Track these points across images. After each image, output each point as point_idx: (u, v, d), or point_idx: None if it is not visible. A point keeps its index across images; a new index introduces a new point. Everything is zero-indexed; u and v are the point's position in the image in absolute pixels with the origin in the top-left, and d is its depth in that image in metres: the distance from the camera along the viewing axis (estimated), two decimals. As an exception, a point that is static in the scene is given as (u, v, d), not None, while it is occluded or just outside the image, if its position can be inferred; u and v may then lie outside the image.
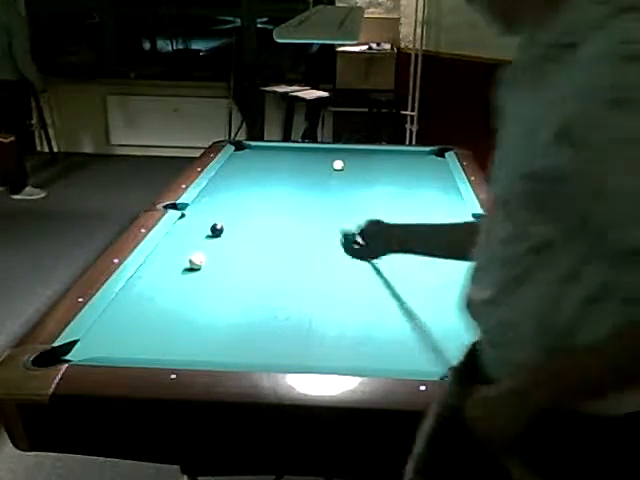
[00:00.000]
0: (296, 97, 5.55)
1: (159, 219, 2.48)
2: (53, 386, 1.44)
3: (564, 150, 0.86)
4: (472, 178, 3.06)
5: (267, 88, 5.77)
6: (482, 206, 2.69)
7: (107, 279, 1.96)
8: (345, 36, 2.70)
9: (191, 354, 1.63)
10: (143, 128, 6.22)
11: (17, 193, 5.38)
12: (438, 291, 2.06)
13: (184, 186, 2.88)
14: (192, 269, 2.11)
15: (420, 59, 5.46)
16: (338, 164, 3.24)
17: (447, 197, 2.90)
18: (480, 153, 3.54)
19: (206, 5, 6.58)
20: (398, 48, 5.79)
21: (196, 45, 6.79)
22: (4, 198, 5.34)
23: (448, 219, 2.65)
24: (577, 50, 0.88)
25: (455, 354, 1.68)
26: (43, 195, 5.39)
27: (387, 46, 5.73)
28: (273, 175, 3.22)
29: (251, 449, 1.51)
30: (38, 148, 6.49)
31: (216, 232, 2.40)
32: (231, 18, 6.58)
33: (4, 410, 1.46)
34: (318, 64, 5.90)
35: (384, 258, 1.60)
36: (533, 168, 0.92)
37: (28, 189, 5.42)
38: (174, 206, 2.65)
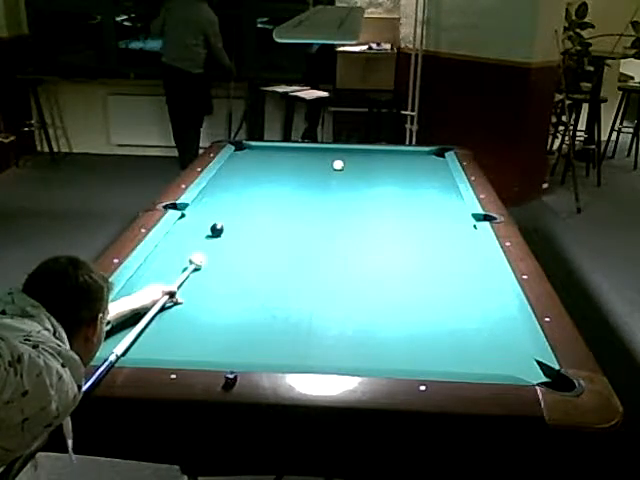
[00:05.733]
0: (296, 97, 5.54)
1: (159, 219, 2.48)
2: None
3: None
4: (472, 178, 3.06)
5: (267, 88, 5.77)
6: (482, 206, 2.69)
7: (107, 279, 1.96)
8: (345, 36, 2.70)
9: (191, 354, 1.63)
10: (143, 128, 6.21)
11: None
12: (438, 292, 2.06)
13: (184, 186, 2.88)
14: (196, 269, 2.11)
15: (420, 59, 5.46)
16: (338, 164, 3.24)
17: (447, 197, 2.90)
18: (480, 153, 3.55)
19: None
20: (398, 48, 5.79)
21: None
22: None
23: (448, 219, 2.67)
24: None
25: (454, 354, 1.69)
26: None
27: (387, 46, 5.73)
28: (273, 175, 3.22)
29: (251, 449, 1.51)
30: (38, 148, 6.49)
31: (216, 232, 2.39)
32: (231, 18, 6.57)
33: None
34: (318, 64, 5.89)
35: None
36: None
37: None
38: (174, 206, 2.65)
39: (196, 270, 2.11)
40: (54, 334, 1.28)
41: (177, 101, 5.56)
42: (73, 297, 1.36)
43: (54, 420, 1.20)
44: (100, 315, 1.42)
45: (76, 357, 1.25)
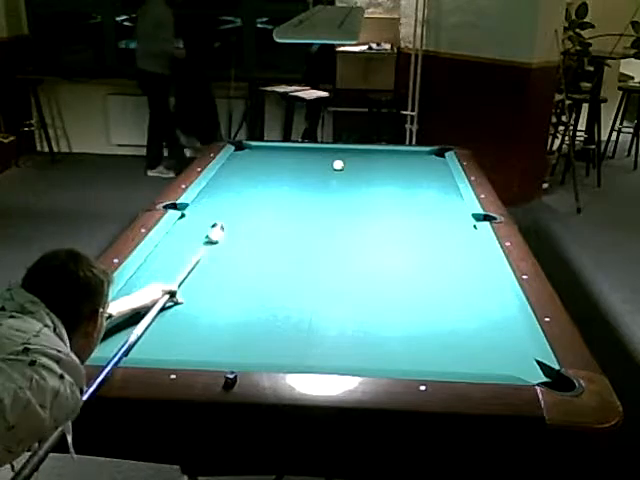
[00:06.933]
0: (296, 97, 5.54)
1: (159, 219, 2.48)
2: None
3: None
4: (472, 178, 3.06)
5: (267, 88, 5.77)
6: (482, 206, 2.69)
7: (107, 279, 1.96)
8: (345, 36, 2.70)
9: (191, 354, 1.63)
10: (143, 128, 6.20)
11: (153, 169, 5.88)
12: (437, 291, 2.06)
13: (184, 186, 2.88)
14: (210, 242, 2.30)
15: (420, 59, 5.46)
16: (338, 164, 3.24)
17: (447, 197, 2.90)
18: (480, 153, 3.54)
19: (206, 5, 6.58)
20: (398, 48, 5.79)
21: (196, 45, 6.78)
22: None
23: (448, 219, 2.67)
24: None
25: (454, 354, 1.69)
26: (172, 175, 5.48)
27: (387, 46, 5.73)
28: (273, 175, 3.22)
29: (251, 449, 1.51)
30: (38, 148, 6.49)
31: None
32: (231, 18, 6.58)
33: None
34: (318, 64, 5.89)
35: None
36: None
37: (160, 168, 5.84)
38: (174, 206, 2.65)
39: (212, 244, 2.29)
40: (54, 330, 1.28)
41: (149, 103, 5.70)
42: (73, 292, 1.35)
43: (53, 430, 1.20)
44: (100, 310, 1.42)
45: (77, 361, 1.25)
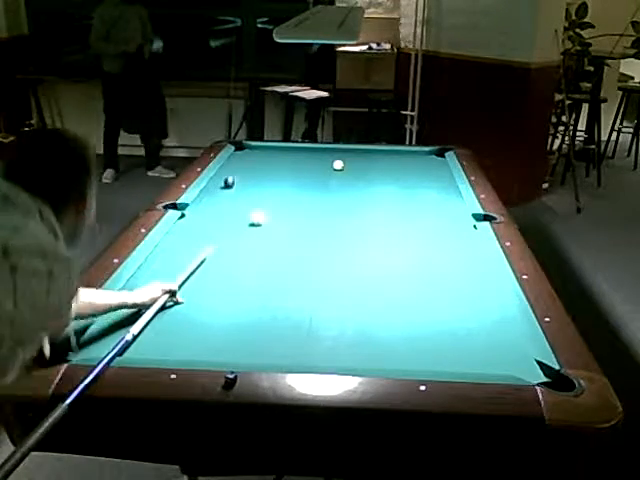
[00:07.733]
0: (296, 97, 5.54)
1: (159, 219, 2.48)
2: (53, 386, 1.44)
3: None
4: (472, 178, 3.06)
5: (267, 88, 5.77)
6: (482, 206, 2.69)
7: (107, 279, 1.96)
8: (345, 36, 2.70)
9: (191, 354, 1.63)
10: (142, 128, 6.21)
11: (151, 170, 5.96)
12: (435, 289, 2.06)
13: (184, 186, 2.88)
14: (253, 224, 2.46)
15: (420, 59, 5.46)
16: (338, 164, 3.24)
17: (447, 197, 2.90)
18: (480, 153, 3.54)
19: (206, 5, 6.58)
20: (398, 48, 5.79)
21: (196, 45, 6.79)
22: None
23: (448, 219, 2.67)
24: None
25: (454, 354, 1.69)
26: (173, 175, 5.49)
27: (387, 46, 5.73)
28: (273, 175, 3.21)
29: (251, 449, 1.51)
30: (38, 148, 6.48)
31: (228, 185, 2.73)
32: (231, 18, 6.58)
33: (4, 410, 1.46)
34: (318, 64, 5.90)
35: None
36: None
37: (159, 168, 5.91)
38: (174, 206, 2.65)
39: (256, 226, 2.44)
40: (40, 216, 1.21)
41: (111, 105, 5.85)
42: (60, 171, 1.30)
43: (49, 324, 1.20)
44: (88, 191, 1.36)
45: (64, 252, 1.20)
